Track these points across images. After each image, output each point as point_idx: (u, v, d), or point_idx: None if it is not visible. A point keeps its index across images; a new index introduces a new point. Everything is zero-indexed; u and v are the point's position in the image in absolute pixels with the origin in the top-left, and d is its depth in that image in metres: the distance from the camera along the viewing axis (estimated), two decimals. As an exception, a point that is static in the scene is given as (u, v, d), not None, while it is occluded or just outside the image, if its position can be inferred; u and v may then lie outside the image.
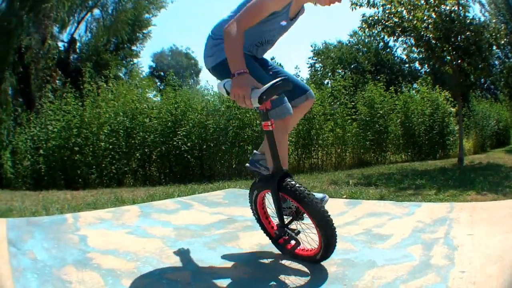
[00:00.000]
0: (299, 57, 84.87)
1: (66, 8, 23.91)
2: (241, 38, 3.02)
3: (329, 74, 39.95)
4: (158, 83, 29.69)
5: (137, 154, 12.18)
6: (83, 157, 11.41)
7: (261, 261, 3.59)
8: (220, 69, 3.38)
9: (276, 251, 3.73)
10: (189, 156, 12.27)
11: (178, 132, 12.24)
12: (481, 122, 22.26)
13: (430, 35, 12.21)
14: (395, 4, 12.20)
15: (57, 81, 23.26)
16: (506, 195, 6.66)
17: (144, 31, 31.00)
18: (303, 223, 3.44)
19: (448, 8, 12.05)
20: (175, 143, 12.15)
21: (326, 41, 47.53)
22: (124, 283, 3.12)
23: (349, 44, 45.98)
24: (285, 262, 3.52)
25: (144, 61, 69.87)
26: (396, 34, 12.80)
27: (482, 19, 15.53)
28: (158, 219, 4.43)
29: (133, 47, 31.38)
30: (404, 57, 43.30)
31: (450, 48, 12.25)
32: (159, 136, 12.31)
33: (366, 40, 43.99)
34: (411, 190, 7.50)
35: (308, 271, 3.30)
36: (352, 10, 12.54)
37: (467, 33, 11.89)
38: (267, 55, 3.81)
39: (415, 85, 21.67)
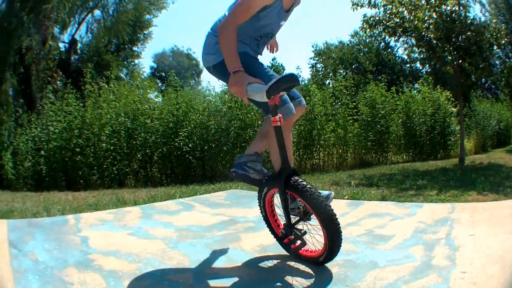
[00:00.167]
0: (300, 57, 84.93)
1: (66, 9, 23.92)
2: (234, 36, 3.12)
3: (331, 74, 39.98)
4: (160, 84, 29.71)
5: (139, 155, 12.18)
6: (84, 158, 11.40)
7: (263, 262, 3.59)
8: (221, 68, 3.36)
9: (278, 252, 3.74)
10: (190, 157, 12.26)
11: (180, 133, 12.24)
12: (482, 122, 22.27)
13: (431, 35, 12.23)
14: (396, 5, 12.20)
15: (58, 82, 23.25)
16: (507, 195, 6.66)
17: (145, 32, 31.05)
18: (309, 224, 3.47)
19: (449, 8, 12.07)
20: (176, 144, 12.15)
21: (327, 42, 47.74)
22: (126, 284, 3.12)
23: (350, 45, 46.13)
24: (288, 263, 3.52)
25: (145, 62, 69.98)
26: (397, 34, 12.82)
27: (483, 19, 15.57)
28: (159, 220, 4.44)
29: (134, 48, 31.41)
30: (405, 57, 43.37)
31: (451, 48, 12.28)
32: (160, 137, 12.30)
33: (367, 41, 44.08)
34: (412, 191, 7.50)
35: (311, 272, 3.30)
36: (353, 10, 12.60)
37: (468, 33, 11.93)
38: (265, 57, 3.84)
39: (416, 85, 21.69)
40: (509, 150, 20.95)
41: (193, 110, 12.83)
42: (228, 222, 4.95)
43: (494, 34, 12.28)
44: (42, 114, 12.91)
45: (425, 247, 3.70)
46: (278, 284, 3.13)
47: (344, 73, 36.70)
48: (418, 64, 43.52)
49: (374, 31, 13.23)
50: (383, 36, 25.99)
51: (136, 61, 32.25)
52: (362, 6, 12.56)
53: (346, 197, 6.85)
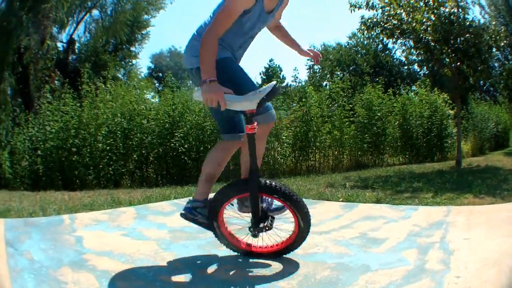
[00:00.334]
0: (298, 59, 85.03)
1: (65, 8, 23.88)
2: (215, 45, 3.19)
3: (328, 76, 39.93)
4: (157, 84, 29.68)
5: (134, 156, 12.15)
6: (80, 158, 11.36)
7: (256, 264, 3.60)
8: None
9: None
10: (186, 158, 12.21)
11: (176, 134, 12.19)
12: (479, 124, 22.25)
13: (429, 38, 12.23)
14: (394, 7, 12.20)
15: (55, 82, 23.22)
16: (504, 198, 6.62)
17: (143, 32, 30.88)
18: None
19: (447, 10, 12.05)
20: (172, 144, 12.11)
21: (325, 43, 47.78)
22: (119, 285, 3.16)
23: (348, 46, 46.13)
24: (279, 266, 3.54)
25: (142, 62, 69.88)
26: (395, 36, 12.82)
27: (482, 21, 15.53)
28: (153, 221, 4.46)
29: (132, 48, 31.25)
30: (403, 59, 43.35)
31: (449, 51, 12.27)
32: (156, 138, 12.25)
33: (365, 42, 44.07)
34: (408, 193, 7.49)
35: (302, 274, 3.30)
36: (351, 12, 12.63)
37: (467, 35, 11.94)
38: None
39: (413, 87, 21.68)
40: (507, 153, 20.90)
41: (189, 111, 12.76)
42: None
43: (493, 36, 12.30)
44: (39, 114, 12.86)
45: (419, 251, 3.69)
46: (268, 286, 3.14)
47: (342, 75, 36.68)
48: (416, 66, 43.50)
49: (372, 33, 13.23)
50: (381, 38, 26.01)
51: (134, 61, 32.21)
52: (360, 7, 12.60)
53: (341, 199, 6.85)
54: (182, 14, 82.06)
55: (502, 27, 16.57)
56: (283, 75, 47.66)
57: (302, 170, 13.94)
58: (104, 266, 3.48)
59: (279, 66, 48.72)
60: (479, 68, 12.48)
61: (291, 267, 3.47)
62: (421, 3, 12.18)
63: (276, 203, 3.70)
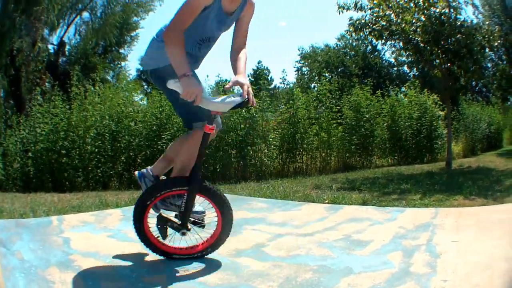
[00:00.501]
0: (286, 60, 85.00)
1: (56, 11, 23.85)
2: (181, 40, 3.26)
3: (316, 77, 39.87)
4: (145, 86, 29.59)
5: (123, 158, 12.09)
6: (70, 160, 11.35)
7: (236, 266, 3.60)
8: (160, 74, 3.54)
9: (252, 257, 3.82)
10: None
11: (163, 136, 12.08)
12: (471, 125, 22.12)
13: (419, 39, 12.21)
14: (383, 8, 12.19)
15: (46, 84, 23.20)
16: (496, 199, 6.59)
17: (132, 34, 30.68)
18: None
19: (438, 10, 12.02)
20: (159, 146, 11.98)
21: (313, 45, 47.64)
22: (103, 285, 3.22)
23: (336, 48, 46.03)
24: (261, 267, 3.55)
25: (131, 64, 69.46)
26: (384, 37, 12.80)
27: (475, 21, 15.49)
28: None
29: (121, 50, 31.06)
30: (393, 60, 43.33)
31: (439, 51, 12.25)
32: (144, 140, 12.19)
33: (354, 44, 44.05)
34: (395, 195, 7.47)
35: (282, 277, 3.31)
36: (339, 13, 12.57)
37: (458, 36, 11.86)
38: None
39: (403, 89, 21.66)
40: (500, 153, 20.76)
41: (175, 114, 12.65)
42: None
43: (486, 36, 12.24)
44: (30, 116, 12.87)
45: (404, 253, 3.69)
46: (247, 289, 3.14)
47: (330, 76, 36.62)
48: (405, 68, 43.53)
49: (360, 34, 13.21)
50: (370, 40, 25.95)
51: (123, 63, 32.06)
52: (348, 9, 12.56)
53: (327, 201, 6.83)
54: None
55: (496, 26, 16.52)
56: (271, 77, 47.66)
57: (289, 172, 13.90)
58: (89, 266, 3.54)
59: (267, 68, 48.78)
60: (471, 68, 12.48)
61: (272, 269, 3.48)
62: (411, 4, 12.17)
63: (197, 207, 3.78)
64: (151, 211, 3.63)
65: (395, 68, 44.90)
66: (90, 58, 26.38)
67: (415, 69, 39.80)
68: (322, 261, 3.60)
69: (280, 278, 3.28)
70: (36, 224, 4.87)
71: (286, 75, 56.48)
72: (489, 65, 27.24)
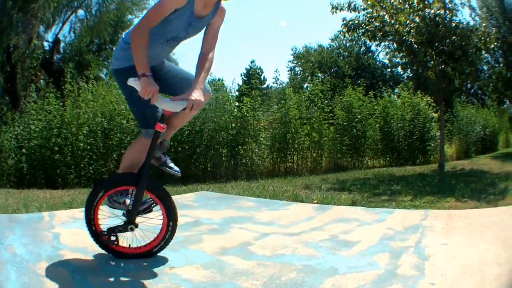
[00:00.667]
0: (279, 60, 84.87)
1: (51, 8, 23.79)
2: (146, 40, 3.38)
3: (309, 78, 39.84)
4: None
5: (114, 155, 11.99)
6: (62, 157, 11.33)
7: (221, 265, 3.63)
8: (121, 74, 3.64)
9: (237, 255, 3.85)
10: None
11: (154, 134, 12.02)
12: (465, 127, 22.02)
13: (412, 40, 12.21)
14: (377, 9, 12.19)
15: (41, 81, 23.16)
16: (489, 202, 6.63)
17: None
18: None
19: (432, 12, 12.01)
20: (150, 145, 11.96)
21: (307, 45, 47.58)
22: (90, 280, 3.26)
23: (330, 48, 45.97)
24: (246, 266, 3.58)
25: (125, 63, 69.31)
26: (377, 38, 12.80)
27: (472, 23, 15.47)
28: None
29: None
30: (387, 61, 43.34)
31: (433, 53, 12.25)
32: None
33: (348, 45, 44.03)
34: (385, 196, 7.51)
35: (266, 276, 3.34)
36: (333, 14, 12.61)
37: (453, 37, 11.87)
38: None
39: (396, 90, 21.66)
40: (494, 156, 20.66)
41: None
42: (193, 223, 5.06)
43: (482, 38, 12.23)
44: (25, 113, 12.85)
45: (391, 255, 3.70)
46: (231, 287, 3.17)
47: (323, 77, 36.58)
48: (399, 69, 43.52)
49: (354, 35, 13.21)
50: (364, 40, 25.93)
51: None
52: (341, 9, 12.59)
53: (315, 201, 6.85)
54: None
55: (493, 29, 16.49)
56: (264, 77, 47.56)
57: (280, 172, 13.95)
58: (78, 262, 3.61)
59: (260, 67, 48.65)
60: (466, 70, 12.49)
61: (257, 268, 3.51)
62: (406, 5, 12.17)
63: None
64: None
65: (389, 69, 44.87)
66: (84, 56, 26.24)
67: (409, 70, 39.72)
68: (307, 261, 3.63)
69: (264, 277, 3.30)
70: (28, 220, 4.91)
71: (279, 75, 56.58)
72: (485, 67, 27.24)
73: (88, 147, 11.60)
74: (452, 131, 21.23)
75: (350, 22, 12.70)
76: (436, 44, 12.08)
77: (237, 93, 16.19)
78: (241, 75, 46.87)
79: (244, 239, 4.38)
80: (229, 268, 3.53)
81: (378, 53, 43.91)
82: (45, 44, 26.07)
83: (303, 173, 13.76)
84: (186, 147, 12.30)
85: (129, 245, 3.74)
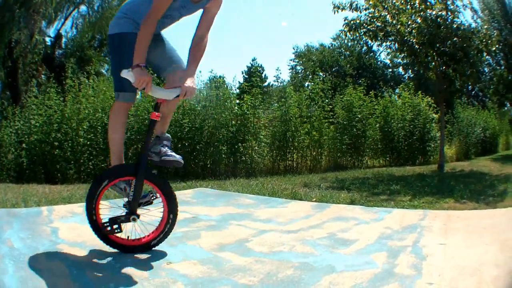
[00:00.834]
0: (281, 58, 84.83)
1: (54, 4, 23.82)
2: (152, 31, 3.51)
3: (310, 76, 39.83)
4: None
5: (114, 151, 12.01)
6: (62, 152, 11.32)
7: (219, 261, 3.62)
8: (111, 39, 3.82)
9: (235, 251, 3.84)
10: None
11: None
12: (465, 129, 22.06)
13: (414, 40, 12.20)
14: (379, 9, 12.19)
15: (42, 76, 23.19)
16: (489, 204, 6.57)
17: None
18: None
19: (434, 13, 12.00)
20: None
21: (308, 44, 47.63)
22: (88, 274, 3.25)
23: (331, 48, 45.99)
24: (242, 262, 3.56)
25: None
26: (379, 38, 12.80)
27: (473, 25, 15.47)
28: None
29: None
30: (388, 62, 43.34)
31: (434, 54, 12.24)
32: (135, 134, 12.09)
33: (349, 44, 44.04)
34: (384, 196, 7.48)
35: (263, 273, 3.32)
36: (334, 13, 12.57)
37: (454, 39, 11.86)
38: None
39: (397, 90, 21.66)
40: (494, 158, 20.61)
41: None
42: (191, 219, 5.08)
43: (484, 40, 12.22)
44: (26, 107, 12.85)
45: (388, 254, 3.68)
46: (230, 283, 3.16)
47: (324, 76, 36.56)
48: (400, 69, 43.54)
49: (355, 34, 13.21)
50: (365, 40, 25.91)
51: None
52: (343, 9, 12.58)
53: (314, 200, 6.84)
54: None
55: (495, 31, 16.48)
56: (265, 75, 47.56)
57: (279, 170, 13.95)
58: (75, 256, 3.60)
59: (261, 65, 48.66)
60: (467, 72, 12.48)
61: (254, 264, 3.50)
62: (408, 6, 12.17)
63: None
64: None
65: (390, 70, 44.88)
66: (85, 51, 26.31)
67: (410, 71, 39.78)
68: (305, 259, 3.62)
69: (261, 274, 3.29)
70: (26, 214, 4.92)
71: (280, 73, 56.56)
72: (486, 69, 27.22)
73: (88, 143, 11.60)
74: (452, 132, 21.26)
75: (352, 22, 12.69)
76: (438, 45, 12.07)
77: (237, 90, 16.17)
78: (242, 73, 47.04)
79: (242, 235, 4.38)
80: (226, 264, 3.52)
81: (380, 53, 44.04)
82: (47, 39, 26.16)
83: (302, 172, 13.74)
84: (186, 144, 12.30)
85: (128, 237, 3.74)
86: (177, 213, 3.83)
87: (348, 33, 13.10)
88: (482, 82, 28.83)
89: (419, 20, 12.09)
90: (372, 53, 44.30)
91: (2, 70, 20.68)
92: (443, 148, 13.54)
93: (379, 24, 12.39)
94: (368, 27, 12.54)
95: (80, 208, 5.26)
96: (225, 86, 13.85)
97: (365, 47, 43.77)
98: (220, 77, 14.52)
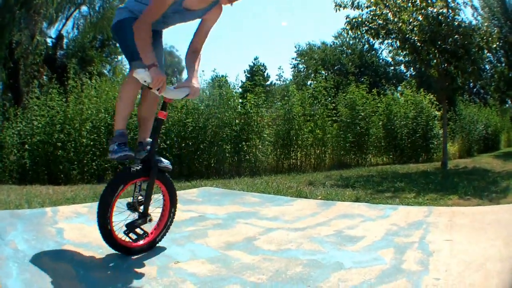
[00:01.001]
0: (283, 57, 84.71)
1: (54, 4, 23.82)
2: (149, 32, 3.49)
3: (312, 75, 39.79)
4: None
5: (117, 151, 11.97)
6: (65, 153, 11.28)
7: (227, 259, 3.61)
8: (121, 25, 3.74)
9: (242, 250, 3.84)
10: (167, 154, 12.02)
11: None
12: (467, 126, 22.09)
13: (415, 38, 12.20)
14: (380, 7, 12.19)
15: (44, 77, 23.19)
16: (492, 200, 6.60)
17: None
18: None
19: (435, 10, 12.00)
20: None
21: (310, 42, 47.53)
22: (95, 275, 3.23)
23: (333, 46, 45.86)
24: (251, 260, 3.56)
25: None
26: (381, 36, 12.80)
27: (474, 22, 15.46)
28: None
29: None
30: (390, 59, 43.24)
31: (436, 51, 12.24)
32: (138, 134, 12.04)
33: (351, 42, 43.91)
34: (389, 193, 7.48)
35: (272, 270, 3.32)
36: (336, 11, 12.62)
37: (455, 36, 11.86)
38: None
39: (399, 88, 21.64)
40: (496, 155, 20.65)
41: (171, 107, 12.52)
42: (198, 218, 5.06)
43: (484, 37, 12.22)
44: (28, 109, 12.83)
45: (395, 250, 3.69)
46: (239, 281, 3.14)
47: (326, 74, 36.52)
48: (402, 67, 43.43)
49: (357, 32, 13.21)
50: (367, 38, 25.90)
51: (120, 57, 31.84)
52: (345, 7, 12.61)
53: (319, 197, 6.83)
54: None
55: (495, 29, 16.48)
56: (267, 74, 47.52)
57: (283, 168, 13.94)
58: (81, 256, 3.58)
59: (263, 64, 48.61)
60: (469, 69, 12.48)
61: (262, 262, 3.49)
62: (409, 4, 12.17)
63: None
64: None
65: (392, 67, 44.80)
66: (87, 52, 26.28)
67: (412, 68, 39.69)
68: (313, 256, 3.61)
69: (270, 271, 3.29)
70: (30, 215, 4.86)
71: (283, 72, 56.49)
72: (487, 66, 27.21)
73: (91, 143, 11.56)
74: (455, 130, 21.29)
75: (354, 20, 12.72)
76: (439, 42, 12.08)
77: (240, 89, 16.17)
78: (245, 72, 47.03)
79: (249, 234, 4.37)
80: (235, 262, 3.52)
81: (381, 51, 43.88)
82: (48, 40, 26.13)
83: (306, 170, 13.77)
84: (190, 143, 12.31)
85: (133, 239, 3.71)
86: (176, 208, 3.91)
87: (350, 31, 13.10)
88: (484, 79, 28.81)
89: (420, 17, 12.11)
90: (373, 51, 44.21)
91: (3, 71, 20.65)
92: (446, 145, 13.53)
93: (380, 22, 12.40)
94: (370, 25, 12.54)
95: (85, 208, 5.24)
96: (228, 85, 13.85)
97: (366, 45, 43.68)
98: (222, 76, 14.53)
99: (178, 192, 3.87)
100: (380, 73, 42.75)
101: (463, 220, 4.70)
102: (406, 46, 12.81)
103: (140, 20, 3.45)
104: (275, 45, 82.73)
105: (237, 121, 13.04)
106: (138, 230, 3.68)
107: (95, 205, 3.64)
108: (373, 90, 16.91)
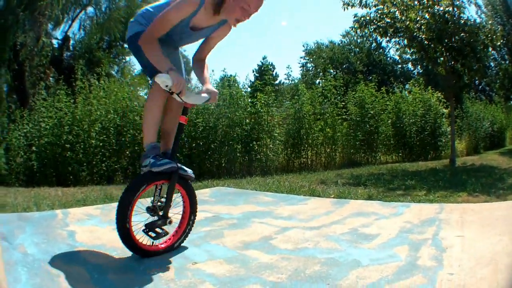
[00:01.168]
0: (291, 56, 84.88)
1: (60, 5, 23.86)
2: (156, 45, 3.47)
3: (321, 74, 39.85)
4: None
5: (127, 152, 11.96)
6: (74, 154, 11.25)
7: (244, 259, 3.59)
8: (129, 40, 3.80)
9: (259, 249, 3.81)
10: (178, 154, 12.08)
11: (168, 130, 11.97)
12: (474, 123, 22.18)
13: (423, 36, 12.22)
14: (388, 5, 12.21)
15: (50, 78, 23.25)
16: (499, 197, 6.63)
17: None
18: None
19: (441, 8, 12.03)
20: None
21: (318, 41, 47.64)
22: (110, 277, 3.19)
23: (341, 45, 46.03)
24: (269, 260, 3.54)
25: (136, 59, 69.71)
26: (389, 34, 12.83)
27: (478, 20, 15.51)
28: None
29: (126, 45, 31.16)
30: (397, 58, 43.35)
31: (443, 49, 12.26)
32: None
33: (359, 41, 44.05)
34: (400, 191, 7.51)
35: (290, 269, 3.30)
36: (344, 10, 12.72)
37: (462, 34, 11.90)
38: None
39: (407, 86, 21.67)
40: (502, 152, 20.80)
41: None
42: (212, 218, 5.03)
43: (489, 35, 12.26)
44: (34, 110, 12.80)
45: (410, 247, 3.69)
46: (259, 281, 3.13)
47: (334, 72, 36.59)
48: (410, 65, 43.54)
49: (365, 31, 13.24)
50: (375, 37, 25.96)
51: (127, 58, 31.92)
52: (353, 5, 12.65)
53: (332, 196, 6.86)
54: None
55: (499, 26, 16.53)
56: (276, 73, 47.65)
57: (294, 167, 13.99)
58: (95, 259, 3.53)
59: (272, 63, 48.74)
60: (475, 67, 12.50)
61: (280, 262, 3.47)
62: (416, 2, 12.20)
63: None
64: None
65: (400, 66, 44.87)
66: (94, 53, 26.34)
67: (419, 66, 39.79)
68: (330, 254, 3.60)
69: (289, 270, 3.27)
70: (39, 218, 4.80)
71: (291, 71, 56.78)
72: (492, 64, 27.23)
73: (101, 144, 11.56)
74: (462, 127, 21.31)
75: (362, 19, 12.76)
76: (446, 40, 12.13)
77: (249, 89, 16.21)
78: (253, 71, 47.10)
79: (265, 233, 4.36)
80: (253, 262, 3.50)
81: (389, 49, 44.01)
82: (54, 41, 26.21)
83: (317, 169, 13.83)
84: (201, 143, 12.29)
85: (152, 242, 3.71)
86: (196, 214, 3.91)
87: (358, 30, 13.14)
88: (489, 76, 28.81)
89: (427, 16, 12.13)
90: (381, 50, 44.29)
91: (8, 73, 20.70)
92: (454, 142, 13.59)
93: (388, 20, 12.42)
94: (378, 23, 12.56)
95: (97, 210, 5.21)
96: (237, 84, 13.88)
97: (374, 44, 43.76)
98: (231, 76, 14.55)
99: (189, 192, 3.87)
100: (388, 71, 42.89)
101: (473, 217, 4.71)
102: (414, 44, 12.89)
103: (146, 36, 3.46)
104: (283, 45, 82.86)
105: (247, 120, 13.07)
106: (157, 229, 3.66)
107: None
108: (381, 88, 16.97)
